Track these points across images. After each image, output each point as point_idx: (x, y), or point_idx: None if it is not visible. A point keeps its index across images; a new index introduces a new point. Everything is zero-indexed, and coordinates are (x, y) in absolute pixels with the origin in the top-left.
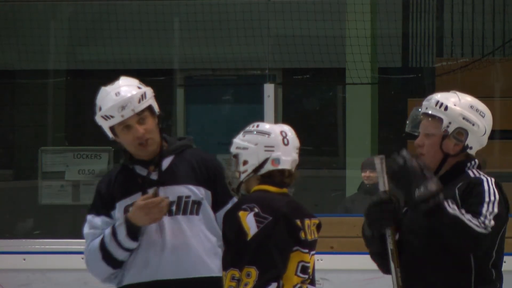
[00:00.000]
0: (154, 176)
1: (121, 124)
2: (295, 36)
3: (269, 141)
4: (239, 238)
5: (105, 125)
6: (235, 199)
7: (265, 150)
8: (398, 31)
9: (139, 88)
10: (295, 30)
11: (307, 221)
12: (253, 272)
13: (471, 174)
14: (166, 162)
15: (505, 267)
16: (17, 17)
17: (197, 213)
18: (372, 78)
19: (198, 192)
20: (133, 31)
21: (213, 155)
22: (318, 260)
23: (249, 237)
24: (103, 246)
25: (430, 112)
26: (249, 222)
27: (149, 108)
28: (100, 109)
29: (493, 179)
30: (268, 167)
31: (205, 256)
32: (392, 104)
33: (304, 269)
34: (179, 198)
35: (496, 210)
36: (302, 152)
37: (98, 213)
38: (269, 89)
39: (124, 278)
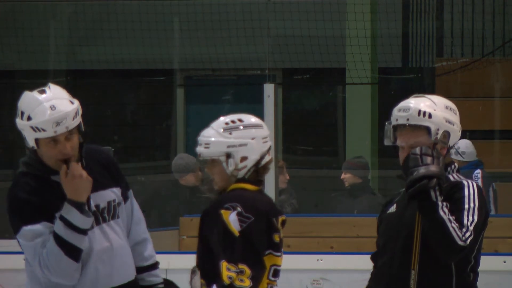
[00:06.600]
0: None
1: (50, 138)
2: (295, 36)
3: (264, 133)
4: (226, 234)
5: (31, 136)
6: (131, 192)
7: (263, 142)
8: (398, 31)
9: (72, 103)
10: (295, 30)
11: (280, 219)
12: (246, 270)
13: (451, 178)
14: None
15: (505, 267)
16: (17, 17)
17: (119, 216)
18: (372, 78)
19: (118, 193)
20: (133, 31)
21: (105, 147)
22: (318, 260)
23: (236, 234)
24: (62, 242)
25: (413, 123)
26: (232, 222)
27: (78, 124)
28: (29, 117)
29: (474, 183)
30: (266, 158)
31: (131, 258)
32: (392, 104)
33: (276, 272)
34: (109, 203)
35: (475, 218)
36: (302, 152)
37: (36, 220)
38: (269, 89)
39: None
